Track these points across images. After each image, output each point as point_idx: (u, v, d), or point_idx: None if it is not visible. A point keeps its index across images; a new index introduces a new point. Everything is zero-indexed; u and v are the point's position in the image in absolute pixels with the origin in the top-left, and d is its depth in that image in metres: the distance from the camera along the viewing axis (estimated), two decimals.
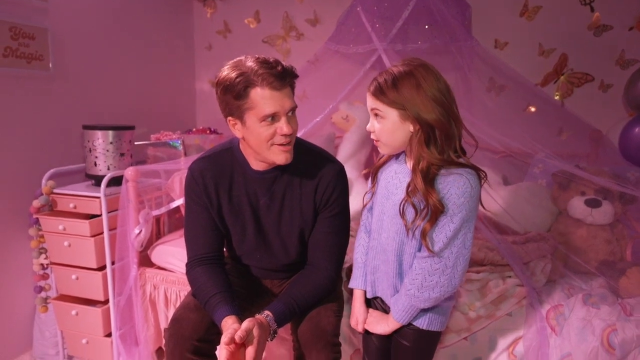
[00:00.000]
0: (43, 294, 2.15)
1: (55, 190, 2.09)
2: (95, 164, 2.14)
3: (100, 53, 2.55)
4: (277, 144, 1.26)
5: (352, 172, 2.50)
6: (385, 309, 1.35)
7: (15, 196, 2.11)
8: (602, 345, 1.44)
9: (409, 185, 1.15)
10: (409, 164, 1.20)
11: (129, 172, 1.97)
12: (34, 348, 2.25)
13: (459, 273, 1.16)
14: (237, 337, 1.13)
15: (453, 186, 1.10)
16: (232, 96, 1.21)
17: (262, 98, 1.19)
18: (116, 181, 2.07)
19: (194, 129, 2.87)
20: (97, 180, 2.12)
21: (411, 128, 1.13)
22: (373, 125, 1.19)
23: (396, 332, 1.30)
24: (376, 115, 1.16)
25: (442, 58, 2.36)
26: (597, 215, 1.83)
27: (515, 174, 2.42)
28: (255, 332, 1.17)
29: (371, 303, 1.41)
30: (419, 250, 1.20)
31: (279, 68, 1.20)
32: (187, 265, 1.43)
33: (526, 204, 2.07)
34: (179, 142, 2.52)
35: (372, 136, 1.21)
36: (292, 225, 1.42)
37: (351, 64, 2.58)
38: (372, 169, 1.35)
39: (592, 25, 2.45)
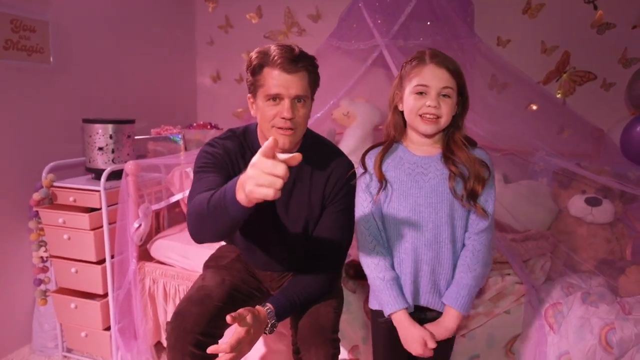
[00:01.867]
0: (42, 287, 2.15)
1: (55, 184, 2.09)
2: (95, 158, 2.14)
3: (101, 46, 2.55)
4: (277, 127, 1.27)
5: None
6: (423, 317, 1.27)
7: (15, 189, 2.11)
8: (600, 344, 1.44)
9: (449, 160, 1.20)
10: (417, 148, 1.25)
11: (129, 166, 1.97)
12: (33, 341, 2.26)
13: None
14: (228, 346, 1.15)
15: (483, 155, 1.23)
16: (251, 72, 1.29)
17: (271, 78, 1.24)
18: (116, 175, 2.07)
19: (195, 124, 2.87)
20: (97, 173, 2.12)
21: (454, 110, 1.21)
22: (438, 102, 1.16)
23: (425, 318, 1.25)
24: (443, 94, 1.17)
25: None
26: (598, 214, 1.82)
27: (516, 172, 2.41)
28: (248, 319, 1.17)
29: (378, 324, 1.31)
30: (467, 225, 1.23)
31: (295, 52, 1.24)
32: (188, 200, 1.31)
33: (527, 202, 2.06)
34: (180, 136, 2.52)
35: (430, 110, 1.16)
36: (298, 215, 1.42)
37: (352, 60, 2.58)
38: (376, 172, 1.25)
39: (595, 23, 2.43)
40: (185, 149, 2.59)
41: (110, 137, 2.13)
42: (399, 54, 2.17)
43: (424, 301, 1.26)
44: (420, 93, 1.17)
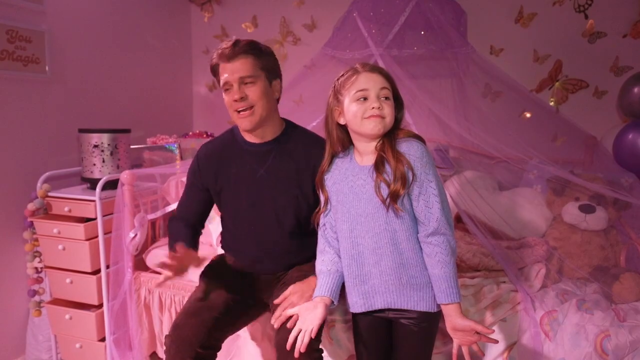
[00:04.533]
0: (37, 298, 2.14)
1: (50, 194, 2.09)
2: (91, 168, 2.14)
3: (97, 56, 2.56)
4: (235, 111, 1.39)
5: None
6: (389, 319, 1.31)
7: (10, 199, 2.10)
8: (595, 351, 1.45)
9: (376, 165, 1.23)
10: (362, 158, 1.29)
11: (125, 176, 1.96)
12: (27, 352, 2.23)
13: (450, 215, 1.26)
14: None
15: (411, 150, 1.22)
16: (214, 75, 1.45)
17: (220, 72, 1.40)
18: (111, 185, 2.06)
19: (191, 133, 2.88)
20: (93, 183, 2.12)
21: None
22: (380, 103, 1.23)
23: (400, 316, 1.28)
24: (383, 96, 1.23)
25: (438, 64, 2.38)
26: (592, 221, 1.83)
27: (510, 180, 2.42)
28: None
29: (357, 321, 1.36)
30: (409, 228, 1.24)
31: (233, 43, 1.38)
32: (171, 217, 1.64)
33: (521, 210, 2.08)
34: (176, 145, 2.52)
35: (375, 112, 1.21)
36: (288, 197, 1.46)
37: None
38: (317, 182, 1.36)
39: (586, 32, 2.47)
40: (181, 158, 2.59)
41: (106, 146, 2.13)
42: (393, 63, 2.19)
43: (381, 303, 1.28)
44: (361, 99, 1.23)
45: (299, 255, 1.51)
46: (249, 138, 1.48)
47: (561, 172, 1.93)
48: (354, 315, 1.36)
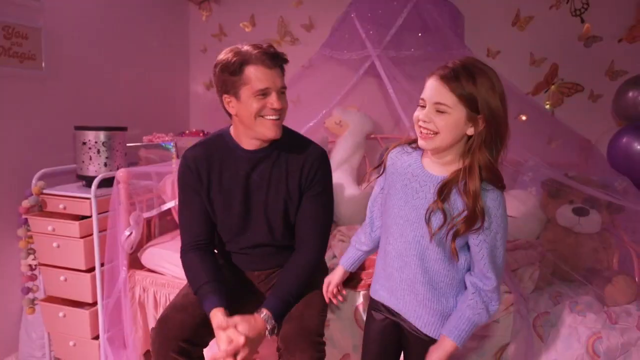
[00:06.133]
0: (30, 295, 2.13)
1: (45, 191, 2.08)
2: (87, 165, 2.14)
3: (94, 53, 2.55)
4: (267, 118, 1.37)
5: (344, 177, 2.51)
6: (401, 326, 1.31)
7: (4, 196, 2.09)
8: (587, 353, 1.46)
9: (441, 190, 1.11)
10: (431, 164, 1.19)
11: (121, 174, 1.96)
12: (20, 350, 2.22)
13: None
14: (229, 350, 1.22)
15: (488, 198, 1.09)
16: (229, 73, 1.34)
17: (256, 74, 1.33)
18: (107, 182, 2.06)
19: (187, 132, 2.87)
20: (88, 181, 2.11)
21: (470, 131, 1.10)
22: (430, 117, 1.09)
23: (409, 328, 1.27)
24: (438, 111, 1.08)
25: (435, 65, 2.37)
26: (585, 224, 1.85)
27: (505, 182, 2.43)
28: (245, 330, 1.25)
29: (368, 309, 1.40)
30: (445, 255, 1.18)
31: (272, 50, 1.36)
32: (181, 250, 1.51)
33: (515, 212, 2.09)
34: (172, 144, 2.52)
35: (424, 125, 1.11)
36: (277, 203, 1.47)
37: (345, 70, 2.60)
38: (383, 157, 1.31)
39: (582, 36, 2.48)
40: (177, 156, 2.58)
41: (103, 144, 2.13)
42: (391, 64, 2.20)
43: (397, 306, 1.28)
44: (420, 106, 1.13)
45: (288, 255, 1.53)
46: (246, 145, 1.45)
47: (556, 174, 1.94)
48: (370, 312, 1.38)
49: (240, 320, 1.27)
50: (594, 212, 1.86)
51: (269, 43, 1.38)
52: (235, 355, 1.22)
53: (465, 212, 1.08)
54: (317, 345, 1.37)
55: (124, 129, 2.25)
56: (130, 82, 2.85)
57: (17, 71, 2.11)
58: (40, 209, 2.10)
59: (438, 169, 1.17)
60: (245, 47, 1.35)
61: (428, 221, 1.14)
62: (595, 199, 1.87)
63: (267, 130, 1.38)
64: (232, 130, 1.49)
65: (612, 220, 1.92)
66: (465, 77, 1.05)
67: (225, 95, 1.39)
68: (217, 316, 1.30)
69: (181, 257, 1.50)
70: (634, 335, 1.46)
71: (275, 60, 1.35)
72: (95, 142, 2.12)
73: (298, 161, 1.46)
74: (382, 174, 1.32)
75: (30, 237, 2.08)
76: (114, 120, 2.57)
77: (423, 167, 1.20)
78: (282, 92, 1.39)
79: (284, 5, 3.04)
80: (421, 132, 1.13)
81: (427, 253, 1.18)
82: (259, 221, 1.49)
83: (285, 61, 1.40)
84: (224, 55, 1.36)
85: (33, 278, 2.14)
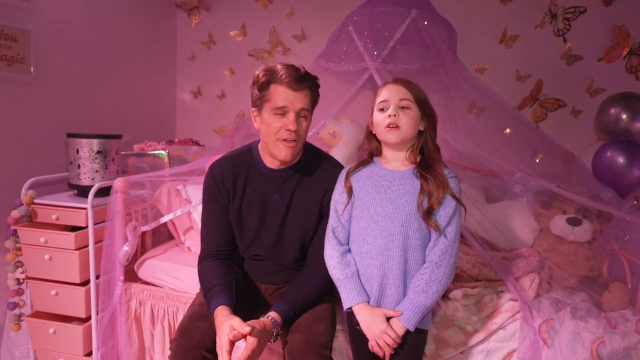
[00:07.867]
0: (17, 311, 2.01)
1: (36, 201, 1.98)
2: (80, 174, 2.05)
3: (83, 58, 2.47)
4: (282, 139, 1.38)
5: None
6: None
7: None
8: (592, 357, 1.52)
9: (423, 177, 1.30)
10: (391, 163, 1.38)
11: (118, 183, 1.90)
12: None
13: (456, 256, 1.33)
14: (231, 336, 1.22)
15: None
16: (258, 88, 1.39)
17: (277, 92, 1.36)
18: (101, 192, 1.98)
19: (177, 140, 2.82)
20: (81, 190, 2.03)
21: (421, 127, 1.36)
22: (397, 111, 1.31)
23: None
24: (401, 107, 1.32)
25: (431, 79, 2.44)
26: (579, 233, 1.93)
27: (495, 193, 2.52)
28: (254, 333, 1.24)
29: (349, 326, 1.44)
30: (423, 240, 1.32)
31: (300, 72, 1.38)
32: (199, 257, 1.52)
33: (509, 221, 2.16)
34: (165, 152, 2.46)
35: (390, 120, 1.31)
36: (295, 225, 1.49)
37: (340, 82, 2.62)
38: (345, 182, 1.40)
39: (564, 55, 2.63)
40: (169, 165, 2.53)
41: (97, 152, 2.05)
42: (389, 77, 2.24)
43: (375, 303, 1.35)
44: (382, 109, 1.34)
45: (294, 274, 1.55)
46: (270, 163, 1.48)
47: (550, 185, 2.02)
48: (354, 328, 1.39)
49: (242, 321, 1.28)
50: (586, 222, 1.95)
51: (301, 66, 1.40)
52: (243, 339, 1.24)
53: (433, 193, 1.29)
54: (325, 358, 1.35)
55: (118, 136, 2.18)
56: (118, 88, 2.78)
57: (4, 75, 2.02)
58: (30, 220, 1.99)
59: (399, 165, 1.37)
60: (278, 67, 1.38)
61: (420, 205, 1.30)
62: (587, 209, 1.97)
63: (279, 151, 1.40)
64: (260, 145, 1.51)
65: (601, 229, 2.03)
66: (410, 82, 1.37)
67: (253, 109, 1.45)
68: (221, 312, 1.30)
69: (198, 263, 1.51)
70: (634, 339, 1.53)
71: (300, 83, 1.36)
72: (89, 151, 2.04)
73: (321, 185, 1.48)
74: (350, 197, 1.39)
75: (19, 249, 1.97)
76: (102, 127, 2.50)
77: (385, 168, 1.38)
78: (301, 115, 1.39)
79: (276, 15, 3.05)
80: (389, 127, 1.31)
81: (408, 242, 1.31)
82: (275, 236, 1.51)
83: (314, 85, 1.41)
84: (259, 70, 1.41)
85: (20, 292, 2.02)
